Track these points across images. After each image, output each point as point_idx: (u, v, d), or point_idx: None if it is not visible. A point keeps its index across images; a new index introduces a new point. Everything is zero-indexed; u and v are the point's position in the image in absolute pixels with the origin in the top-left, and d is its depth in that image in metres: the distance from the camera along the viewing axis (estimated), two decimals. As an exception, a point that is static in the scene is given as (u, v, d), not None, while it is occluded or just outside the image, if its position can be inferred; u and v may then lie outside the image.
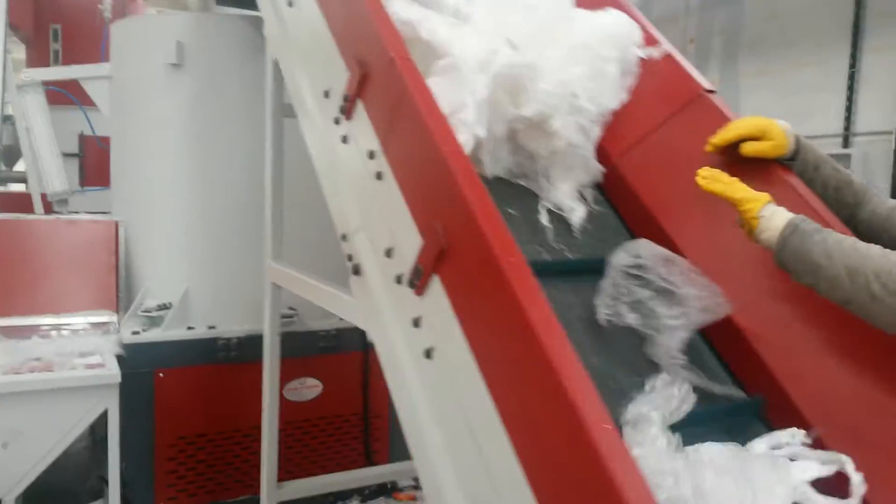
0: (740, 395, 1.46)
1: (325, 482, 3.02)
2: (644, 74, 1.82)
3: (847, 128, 5.14)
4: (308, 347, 3.33)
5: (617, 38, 1.87)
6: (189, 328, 3.25)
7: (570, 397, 0.91)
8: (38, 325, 3.09)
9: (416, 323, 1.35)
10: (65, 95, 5.11)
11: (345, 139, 1.67)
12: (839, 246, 1.26)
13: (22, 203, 4.99)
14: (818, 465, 1.22)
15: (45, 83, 4.06)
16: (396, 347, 1.42)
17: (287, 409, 3.22)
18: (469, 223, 1.11)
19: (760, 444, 1.30)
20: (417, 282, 1.32)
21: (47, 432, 2.66)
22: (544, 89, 1.72)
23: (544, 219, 1.68)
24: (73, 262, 3.31)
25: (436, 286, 1.28)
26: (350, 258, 1.63)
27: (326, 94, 1.74)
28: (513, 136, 1.80)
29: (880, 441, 1.21)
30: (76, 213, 3.89)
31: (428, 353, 1.31)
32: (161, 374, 3.14)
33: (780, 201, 1.39)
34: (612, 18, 1.92)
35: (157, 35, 3.27)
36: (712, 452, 1.20)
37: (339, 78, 1.65)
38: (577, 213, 1.70)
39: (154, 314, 3.25)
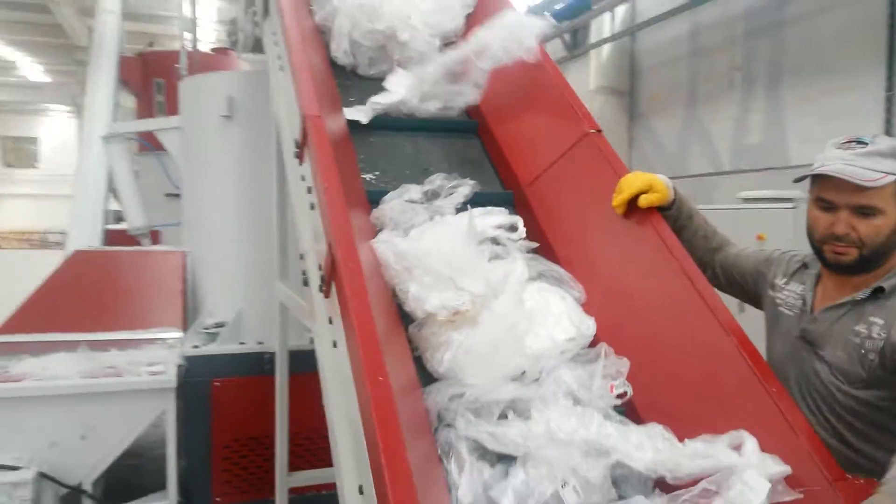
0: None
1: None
2: (546, 110, 2.13)
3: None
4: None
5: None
6: (241, 343, 3.73)
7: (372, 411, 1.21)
8: (117, 340, 3.68)
9: (331, 321, 1.70)
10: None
11: (302, 177, 2.07)
12: None
13: (124, 238, 5.80)
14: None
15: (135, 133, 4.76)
16: (322, 343, 1.78)
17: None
18: (334, 248, 1.47)
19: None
20: (324, 287, 1.68)
21: (116, 428, 3.14)
22: (389, 11, 2.74)
23: None
24: (148, 287, 3.91)
25: (334, 290, 1.64)
26: (303, 272, 2.02)
27: (295, 143, 2.16)
28: (383, 48, 2.80)
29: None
30: (155, 245, 4.54)
31: (335, 344, 1.66)
32: (217, 383, 3.62)
33: (645, 241, 1.74)
34: None
35: (212, 91, 3.85)
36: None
37: (297, 127, 2.06)
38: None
39: (212, 331, 3.76)
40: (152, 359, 3.50)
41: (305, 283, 1.97)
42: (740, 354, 1.50)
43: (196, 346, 3.64)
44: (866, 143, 1.57)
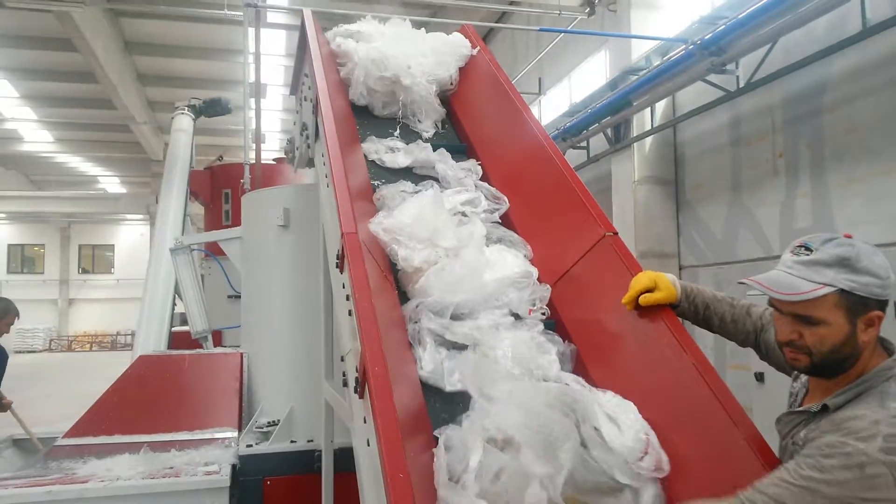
0: None
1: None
2: (563, 216, 2.28)
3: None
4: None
5: (452, 44, 4.00)
6: (292, 441, 3.85)
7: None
8: (177, 441, 3.84)
9: (365, 420, 1.82)
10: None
11: (343, 286, 2.25)
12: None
13: (189, 338, 6.09)
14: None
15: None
16: (358, 440, 1.90)
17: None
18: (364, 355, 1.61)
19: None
20: (358, 389, 1.81)
21: (174, 525, 3.29)
22: (395, 64, 3.68)
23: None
24: (207, 388, 4.10)
25: (367, 392, 1.76)
26: (343, 374, 2.15)
27: (336, 255, 2.35)
28: (392, 93, 3.74)
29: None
30: (217, 344, 4.77)
31: (368, 443, 1.77)
32: (268, 482, 3.72)
33: (655, 333, 1.82)
34: (453, 37, 4.05)
35: (270, 204, 4.15)
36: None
37: (339, 241, 2.26)
38: (427, 134, 3.66)
39: (265, 430, 3.90)
40: (209, 458, 3.64)
41: (345, 383, 2.11)
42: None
43: (250, 445, 3.77)
44: (811, 251, 1.52)
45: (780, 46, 6.37)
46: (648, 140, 8.36)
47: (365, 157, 3.35)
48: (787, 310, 1.54)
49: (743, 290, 2.06)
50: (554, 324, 2.35)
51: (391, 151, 3.42)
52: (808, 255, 1.51)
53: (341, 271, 2.21)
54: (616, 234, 2.09)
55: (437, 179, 3.21)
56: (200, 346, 5.34)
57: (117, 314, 34.68)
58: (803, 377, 1.74)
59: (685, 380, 1.73)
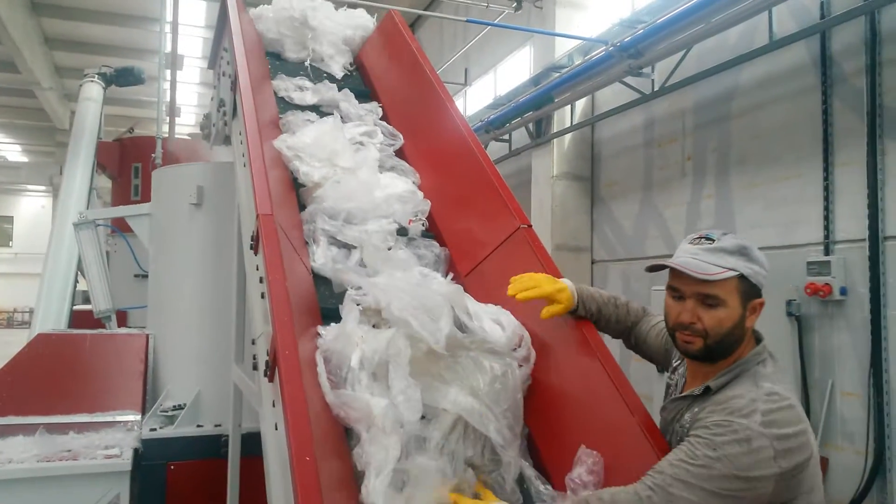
0: None
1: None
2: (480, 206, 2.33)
3: (826, 236, 5.35)
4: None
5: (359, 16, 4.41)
6: (198, 426, 3.76)
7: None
8: (77, 423, 3.68)
9: (274, 404, 1.81)
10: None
11: (257, 267, 2.22)
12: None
13: (90, 318, 5.82)
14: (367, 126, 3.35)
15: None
16: (266, 424, 1.89)
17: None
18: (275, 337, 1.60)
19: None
20: (268, 372, 1.79)
21: (71, 512, 3.16)
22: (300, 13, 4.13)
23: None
24: (109, 370, 3.94)
25: (278, 376, 1.76)
26: (254, 357, 2.13)
27: (251, 236, 2.31)
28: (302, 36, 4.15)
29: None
30: (121, 326, 4.59)
31: (276, 426, 1.77)
32: (172, 467, 3.62)
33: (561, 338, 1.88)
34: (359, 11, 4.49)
35: (183, 180, 4.02)
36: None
37: (254, 222, 2.22)
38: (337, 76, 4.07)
39: (170, 413, 3.79)
40: (109, 442, 3.51)
41: (255, 367, 2.09)
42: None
43: (153, 429, 3.66)
44: (713, 240, 1.69)
45: (694, 53, 6.65)
46: (567, 137, 8.58)
47: (275, 93, 3.66)
48: (692, 291, 1.68)
49: (649, 278, 2.18)
50: (433, 235, 2.82)
51: (299, 90, 3.76)
52: (710, 244, 1.68)
53: (256, 253, 2.18)
54: (530, 226, 2.14)
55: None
56: (103, 326, 5.12)
57: (14, 290, 32.73)
58: (680, 369, 1.90)
59: (592, 375, 1.81)
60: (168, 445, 3.61)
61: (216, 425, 3.75)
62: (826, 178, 5.36)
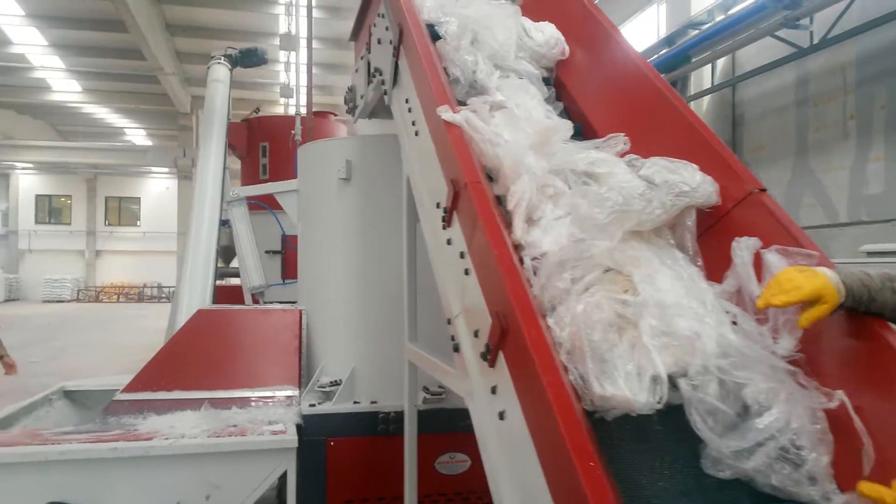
0: None
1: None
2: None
3: None
4: (454, 424, 3.60)
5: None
6: (355, 402, 3.72)
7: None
8: (237, 398, 3.73)
9: (494, 391, 1.64)
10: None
11: (449, 241, 2.05)
12: None
13: (235, 295, 5.97)
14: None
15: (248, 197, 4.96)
16: (481, 411, 1.72)
17: (439, 481, 3.52)
18: (511, 313, 1.42)
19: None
20: (489, 356, 1.62)
21: (240, 487, 3.16)
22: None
23: None
24: (266, 345, 3.97)
25: (501, 360, 1.58)
26: (453, 338, 1.97)
27: (437, 206, 2.14)
28: None
29: None
30: (271, 303, 4.64)
31: (501, 416, 1.59)
32: (332, 443, 3.60)
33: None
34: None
35: (331, 155, 3.95)
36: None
37: (444, 193, 2.05)
38: None
39: (327, 389, 3.77)
40: (272, 417, 3.52)
41: (456, 349, 1.93)
42: None
43: (312, 405, 3.64)
44: None
45: (857, 2, 5.99)
46: (706, 99, 8.04)
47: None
48: None
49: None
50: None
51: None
52: None
53: (448, 225, 2.01)
54: (765, 190, 1.85)
55: None
56: (241, 302, 5.22)
57: (143, 267, 35.07)
58: None
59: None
60: (328, 421, 3.57)
61: (372, 402, 3.69)
62: None
